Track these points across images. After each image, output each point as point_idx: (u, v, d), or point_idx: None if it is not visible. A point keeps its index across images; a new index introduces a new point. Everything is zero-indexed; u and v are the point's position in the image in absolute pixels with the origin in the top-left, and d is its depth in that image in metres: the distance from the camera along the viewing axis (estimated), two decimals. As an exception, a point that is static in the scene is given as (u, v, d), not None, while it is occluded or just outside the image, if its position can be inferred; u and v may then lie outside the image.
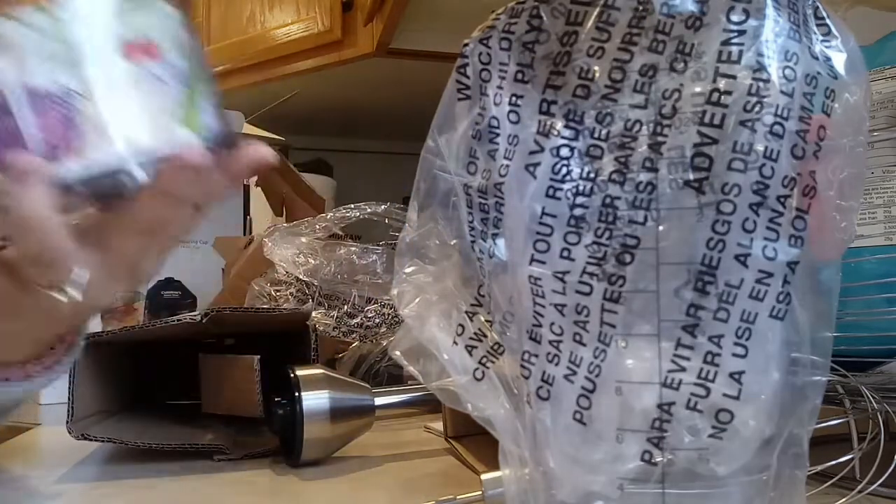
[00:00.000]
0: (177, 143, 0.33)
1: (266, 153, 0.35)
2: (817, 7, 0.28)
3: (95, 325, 0.89)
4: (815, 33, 0.27)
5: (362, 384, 0.54)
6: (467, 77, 0.30)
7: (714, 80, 0.25)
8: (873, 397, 0.40)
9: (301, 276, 0.77)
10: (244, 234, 1.05)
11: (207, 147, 0.33)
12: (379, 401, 0.54)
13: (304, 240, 0.79)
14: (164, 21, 0.34)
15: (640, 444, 0.26)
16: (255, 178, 1.23)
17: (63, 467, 0.52)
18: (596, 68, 0.27)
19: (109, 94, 0.32)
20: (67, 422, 0.52)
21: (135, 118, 0.32)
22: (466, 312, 0.31)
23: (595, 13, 0.27)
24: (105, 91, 0.32)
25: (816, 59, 0.27)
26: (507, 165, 0.28)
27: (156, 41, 0.34)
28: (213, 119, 0.35)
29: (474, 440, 0.53)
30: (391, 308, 0.77)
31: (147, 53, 0.33)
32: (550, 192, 0.27)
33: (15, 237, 0.30)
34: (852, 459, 0.40)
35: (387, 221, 0.83)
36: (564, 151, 0.27)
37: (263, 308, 0.63)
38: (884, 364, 0.42)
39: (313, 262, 0.77)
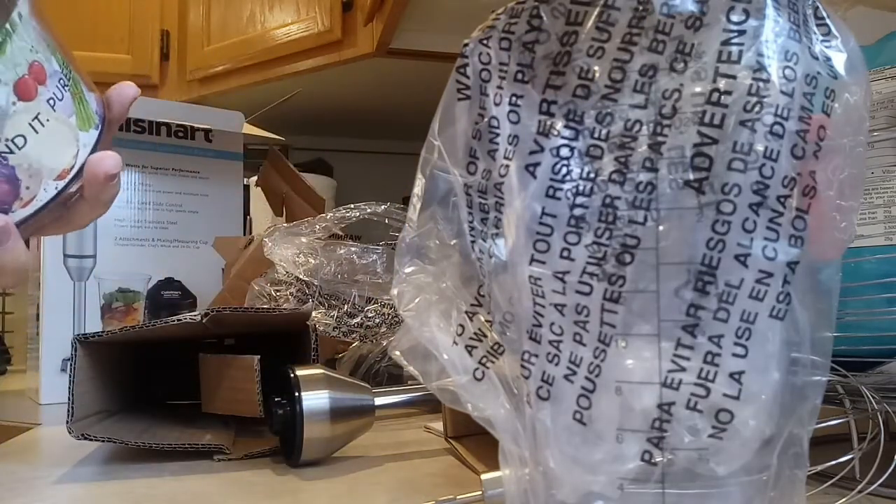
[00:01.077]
0: (86, 152, 0.37)
1: (126, 88, 0.40)
2: (817, 7, 0.28)
3: (95, 325, 0.89)
4: (815, 33, 0.27)
5: (362, 384, 0.54)
6: (467, 77, 0.30)
7: (714, 80, 0.25)
8: (873, 397, 0.40)
9: (301, 276, 0.77)
10: (244, 234, 1.05)
11: (101, 129, 0.39)
12: (379, 401, 0.54)
13: (304, 240, 0.79)
14: (26, 28, 0.34)
15: (640, 444, 0.26)
16: (255, 178, 1.23)
17: (63, 467, 0.52)
18: (596, 68, 0.27)
19: (31, 140, 0.35)
20: (67, 422, 0.52)
21: (53, 148, 0.36)
22: (466, 312, 0.31)
23: (595, 13, 0.27)
24: (27, 139, 0.35)
25: (816, 59, 0.27)
26: (507, 165, 0.28)
27: (37, 60, 0.34)
28: (94, 101, 0.39)
29: (474, 440, 0.53)
30: (391, 308, 0.77)
31: (38, 81, 0.35)
32: (550, 192, 0.27)
33: None
34: (852, 459, 0.40)
35: (387, 221, 0.83)
36: (564, 151, 0.27)
37: (263, 308, 0.63)
38: (884, 364, 0.42)
39: (313, 261, 0.77)
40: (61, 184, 0.37)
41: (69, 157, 0.37)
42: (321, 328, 0.74)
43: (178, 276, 0.95)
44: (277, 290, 0.78)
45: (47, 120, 0.35)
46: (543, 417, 0.27)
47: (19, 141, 0.34)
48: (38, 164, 0.35)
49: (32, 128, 0.35)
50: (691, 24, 0.26)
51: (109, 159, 0.38)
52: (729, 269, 0.25)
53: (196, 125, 0.96)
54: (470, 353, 0.30)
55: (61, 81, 0.36)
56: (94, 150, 0.38)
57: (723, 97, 0.25)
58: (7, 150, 0.34)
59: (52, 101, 0.35)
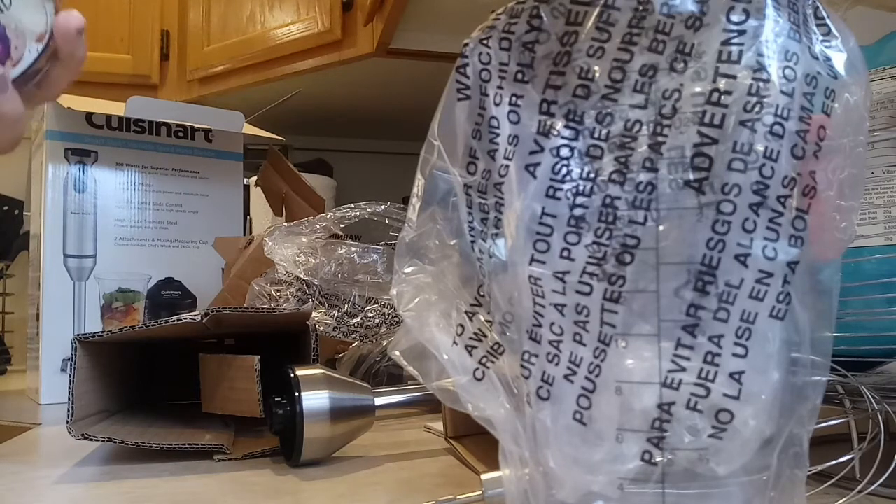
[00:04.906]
0: (52, 19, 0.43)
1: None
2: (817, 7, 0.28)
3: (95, 325, 0.89)
4: (815, 33, 0.27)
5: (362, 384, 0.54)
6: (467, 77, 0.30)
7: (714, 80, 0.25)
8: (873, 397, 0.40)
9: (301, 276, 0.77)
10: (244, 234, 1.05)
11: (55, 2, 0.44)
12: (379, 401, 0.54)
13: (304, 239, 0.79)
14: None
15: (640, 444, 0.26)
16: (254, 178, 1.23)
17: (63, 467, 0.52)
18: (596, 68, 0.27)
19: (14, 1, 0.41)
20: (67, 422, 0.52)
21: (30, 11, 0.42)
22: (466, 312, 0.31)
23: (595, 13, 0.27)
24: (11, 0, 0.41)
25: (816, 59, 0.27)
26: (507, 165, 0.28)
27: None
28: None
29: (474, 440, 0.53)
30: (391, 308, 0.77)
31: None
32: (550, 192, 0.27)
33: None
34: (852, 459, 0.40)
35: (387, 221, 0.83)
36: (564, 151, 0.27)
37: (263, 308, 0.63)
38: (884, 364, 0.42)
39: (313, 261, 0.77)
40: (41, 46, 0.43)
41: (42, 21, 0.43)
42: (321, 328, 0.74)
43: (178, 276, 0.95)
44: (277, 290, 0.78)
45: None
46: (543, 417, 0.27)
47: (6, 1, 0.41)
48: (22, 25, 0.42)
49: None
50: (691, 24, 0.26)
51: (74, 16, 0.44)
52: (729, 269, 0.25)
53: (196, 125, 0.96)
54: (470, 353, 0.30)
55: None
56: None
57: (723, 97, 0.25)
58: None
59: None
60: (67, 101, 0.85)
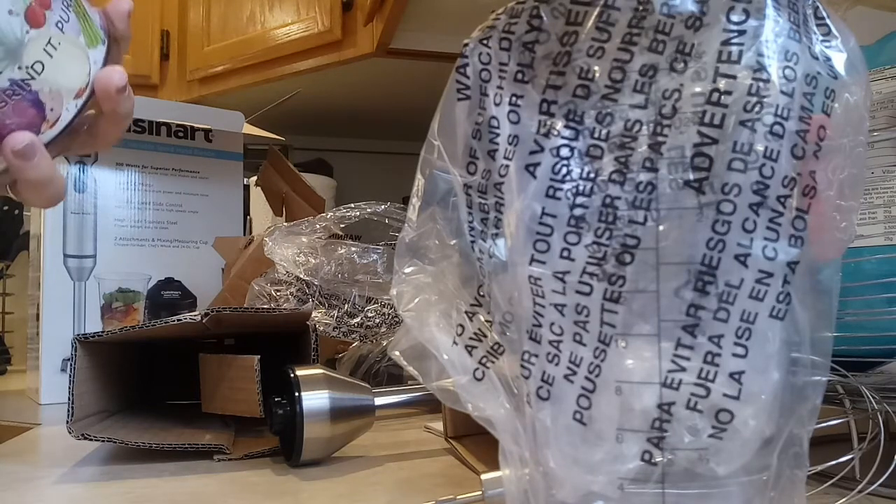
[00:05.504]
0: (97, 69, 0.40)
1: (120, 2, 0.42)
2: (817, 7, 0.28)
3: (95, 325, 0.89)
4: (815, 33, 0.27)
5: (362, 384, 0.54)
6: (467, 77, 0.30)
7: (714, 80, 0.25)
8: (873, 397, 0.40)
9: (301, 276, 0.77)
10: (244, 234, 1.05)
11: (107, 44, 0.41)
12: (379, 401, 0.54)
13: (304, 239, 0.79)
14: None
15: (640, 444, 0.26)
16: (254, 178, 1.23)
17: (63, 467, 0.52)
18: (596, 68, 0.27)
19: (48, 64, 0.37)
20: (67, 422, 0.52)
21: (68, 69, 0.38)
22: (466, 312, 0.31)
23: (595, 13, 0.27)
24: (44, 64, 0.37)
25: (816, 59, 0.27)
26: (507, 165, 0.28)
27: None
28: (98, 17, 0.41)
29: (474, 440, 0.53)
30: (391, 308, 0.77)
31: (43, 6, 0.37)
32: (550, 192, 0.27)
33: (24, 189, 0.40)
34: (852, 459, 0.40)
35: (387, 221, 0.83)
36: (564, 151, 0.27)
37: (263, 308, 0.63)
38: (884, 364, 0.42)
39: (313, 261, 0.77)
40: (80, 102, 0.39)
41: (83, 75, 0.39)
42: (321, 328, 0.74)
43: (178, 276, 0.95)
44: (277, 290, 0.78)
45: (59, 43, 0.37)
46: (543, 417, 0.27)
47: (38, 67, 0.37)
48: (58, 86, 0.38)
49: (47, 52, 0.37)
50: (691, 24, 0.26)
51: (116, 73, 0.40)
52: (729, 269, 0.25)
53: (196, 125, 0.96)
54: (470, 353, 0.30)
55: (65, 2, 0.38)
56: (104, 66, 0.40)
57: (723, 97, 0.25)
58: (29, 76, 0.37)
59: (60, 24, 0.37)
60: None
